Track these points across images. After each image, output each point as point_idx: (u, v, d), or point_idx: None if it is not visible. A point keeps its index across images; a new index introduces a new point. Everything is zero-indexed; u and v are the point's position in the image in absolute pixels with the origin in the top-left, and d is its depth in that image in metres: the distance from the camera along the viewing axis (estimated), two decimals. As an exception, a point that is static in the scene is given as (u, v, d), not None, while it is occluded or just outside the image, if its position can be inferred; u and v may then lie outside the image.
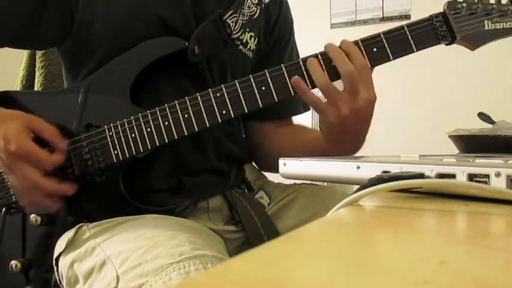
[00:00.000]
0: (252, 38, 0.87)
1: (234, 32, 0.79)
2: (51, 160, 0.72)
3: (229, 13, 0.79)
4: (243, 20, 0.80)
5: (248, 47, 0.86)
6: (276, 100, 0.72)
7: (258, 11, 0.82)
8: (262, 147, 0.94)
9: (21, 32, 0.79)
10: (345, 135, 0.74)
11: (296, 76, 0.70)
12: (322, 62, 0.70)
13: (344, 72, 0.68)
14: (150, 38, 0.77)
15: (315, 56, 0.71)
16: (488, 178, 0.41)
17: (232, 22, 0.79)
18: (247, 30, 0.83)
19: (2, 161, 0.71)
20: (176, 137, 0.74)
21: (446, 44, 0.74)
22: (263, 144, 0.94)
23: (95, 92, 0.78)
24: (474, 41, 0.72)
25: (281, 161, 0.60)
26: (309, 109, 0.98)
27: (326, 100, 0.70)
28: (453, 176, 0.43)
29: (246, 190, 0.87)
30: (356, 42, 0.71)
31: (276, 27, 0.93)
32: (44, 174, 0.71)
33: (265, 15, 0.90)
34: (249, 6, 0.81)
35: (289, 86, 0.72)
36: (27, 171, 0.70)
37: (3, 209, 0.79)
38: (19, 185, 0.72)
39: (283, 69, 0.72)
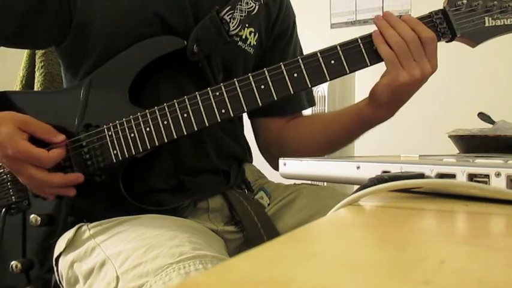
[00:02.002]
0: (252, 34, 0.87)
1: (232, 28, 0.79)
2: (50, 157, 0.72)
3: (226, 9, 0.79)
4: (241, 16, 0.80)
5: (248, 42, 0.86)
6: (275, 99, 0.72)
7: (257, 6, 0.82)
8: (279, 142, 0.94)
9: (20, 31, 0.79)
10: (401, 98, 0.75)
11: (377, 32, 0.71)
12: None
13: (428, 37, 0.70)
14: (149, 37, 0.77)
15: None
16: (488, 178, 0.41)
17: (230, 18, 0.79)
18: (246, 26, 0.83)
19: (7, 166, 0.74)
20: (175, 137, 0.73)
21: (447, 41, 0.74)
22: (279, 140, 0.94)
23: (94, 91, 0.78)
24: (475, 38, 0.72)
25: (281, 161, 0.60)
26: (313, 104, 0.99)
27: (400, 61, 0.71)
28: (453, 176, 0.43)
29: (246, 190, 0.87)
30: (356, 40, 0.72)
31: (278, 22, 0.93)
32: (49, 170, 0.73)
33: (266, 11, 0.89)
34: (247, 2, 0.81)
35: (289, 84, 0.72)
36: (32, 171, 0.72)
37: (3, 210, 0.79)
38: (29, 184, 0.74)
39: (283, 67, 0.72)
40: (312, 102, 0.98)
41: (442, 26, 0.72)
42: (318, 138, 0.90)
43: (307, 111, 1.00)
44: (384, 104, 0.76)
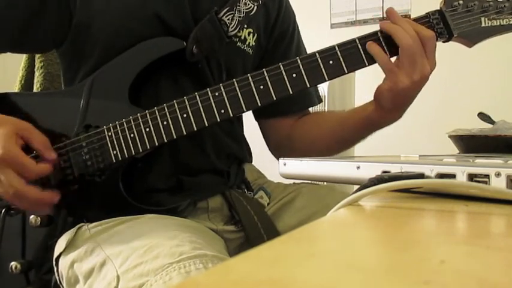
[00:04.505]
0: (251, 35, 0.87)
1: (231, 29, 0.79)
2: (36, 169, 0.70)
3: (225, 10, 0.79)
4: (239, 16, 0.80)
5: (247, 43, 0.86)
6: (275, 99, 0.72)
7: (255, 7, 0.82)
8: (290, 141, 0.94)
9: (21, 35, 0.79)
10: (405, 100, 0.75)
11: (370, 42, 0.71)
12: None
13: (427, 36, 0.70)
14: (149, 38, 0.77)
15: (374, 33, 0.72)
16: (488, 178, 0.41)
17: (229, 19, 0.79)
18: (245, 26, 0.83)
19: None
20: (175, 137, 0.74)
21: (444, 42, 0.74)
22: (290, 139, 0.94)
23: (94, 92, 0.78)
24: (471, 38, 0.72)
25: (281, 161, 0.60)
26: (321, 101, 1.00)
27: (401, 64, 0.71)
28: (453, 176, 0.43)
29: (245, 190, 0.87)
30: (354, 40, 0.72)
31: (277, 23, 0.93)
32: (30, 182, 0.69)
33: (264, 11, 0.90)
34: (245, 3, 0.81)
35: (287, 84, 0.72)
36: (12, 179, 0.68)
37: (3, 210, 0.79)
38: (4, 192, 0.70)
39: (281, 68, 0.72)
40: (319, 99, 0.99)
41: (439, 26, 0.72)
42: (328, 139, 0.90)
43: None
44: (389, 108, 0.76)
